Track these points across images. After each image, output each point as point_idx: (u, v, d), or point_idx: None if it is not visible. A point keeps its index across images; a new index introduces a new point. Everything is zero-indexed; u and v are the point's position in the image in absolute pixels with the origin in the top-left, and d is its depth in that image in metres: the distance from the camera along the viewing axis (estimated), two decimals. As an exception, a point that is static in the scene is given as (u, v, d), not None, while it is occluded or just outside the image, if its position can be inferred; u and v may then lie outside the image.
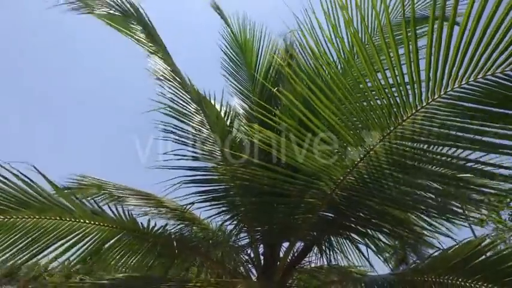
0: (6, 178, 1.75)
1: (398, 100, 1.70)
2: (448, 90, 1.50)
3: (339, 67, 2.13)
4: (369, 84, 1.76)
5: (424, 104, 1.67)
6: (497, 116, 1.38)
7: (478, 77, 1.32)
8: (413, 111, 1.75)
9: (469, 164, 1.80)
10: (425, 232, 2.39)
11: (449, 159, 1.84)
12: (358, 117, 1.98)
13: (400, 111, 1.77)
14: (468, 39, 1.24)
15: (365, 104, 1.88)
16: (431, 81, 1.49)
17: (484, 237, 2.12)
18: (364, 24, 2.35)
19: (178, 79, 3.15)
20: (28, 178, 1.80)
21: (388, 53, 1.50)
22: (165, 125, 3.12)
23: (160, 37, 3.09)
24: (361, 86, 1.83)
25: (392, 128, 1.89)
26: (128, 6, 3.01)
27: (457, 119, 1.57)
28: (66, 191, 2.82)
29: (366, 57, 1.67)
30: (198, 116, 3.29)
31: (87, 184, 3.03)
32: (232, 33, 3.57)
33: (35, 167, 1.81)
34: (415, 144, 1.89)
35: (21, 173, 1.75)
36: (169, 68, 3.15)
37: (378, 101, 1.80)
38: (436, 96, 1.59)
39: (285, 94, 2.63)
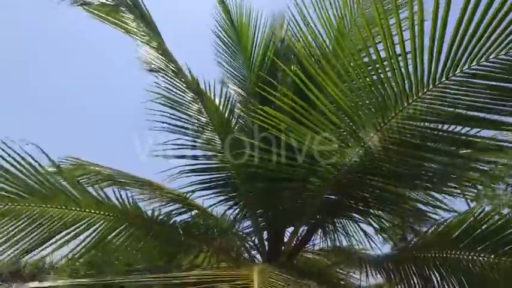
0: (14, 159, 1.64)
1: (412, 78, 1.76)
2: (464, 68, 1.57)
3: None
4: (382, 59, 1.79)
5: (438, 83, 1.74)
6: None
7: (501, 54, 1.40)
8: (425, 90, 1.81)
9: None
10: (426, 208, 2.48)
11: (458, 136, 1.93)
12: (367, 96, 2.01)
13: (412, 90, 1.83)
14: (492, 16, 1.30)
15: (376, 80, 1.91)
16: (449, 59, 1.55)
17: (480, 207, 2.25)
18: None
19: (173, 68, 3.08)
20: (36, 160, 1.70)
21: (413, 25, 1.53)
22: (163, 115, 3.05)
23: (156, 26, 2.98)
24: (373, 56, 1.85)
25: (401, 108, 1.95)
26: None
27: (471, 97, 1.65)
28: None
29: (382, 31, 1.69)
30: (195, 104, 3.23)
31: (85, 167, 2.89)
32: (230, 17, 3.51)
33: (42, 150, 1.71)
34: (425, 124, 1.96)
35: (30, 156, 1.65)
36: (164, 58, 3.06)
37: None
38: (450, 75, 1.66)
39: (288, 71, 2.64)
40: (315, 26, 2.68)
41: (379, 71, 1.84)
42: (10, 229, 1.74)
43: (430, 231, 2.45)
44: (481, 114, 1.71)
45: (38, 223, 1.81)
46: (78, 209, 2.03)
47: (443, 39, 1.48)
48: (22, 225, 1.77)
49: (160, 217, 2.52)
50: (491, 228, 2.18)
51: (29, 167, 1.71)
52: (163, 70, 3.24)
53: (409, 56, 1.66)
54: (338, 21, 2.60)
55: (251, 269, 1.66)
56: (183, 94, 3.29)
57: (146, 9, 2.89)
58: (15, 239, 1.74)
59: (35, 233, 1.80)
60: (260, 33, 3.37)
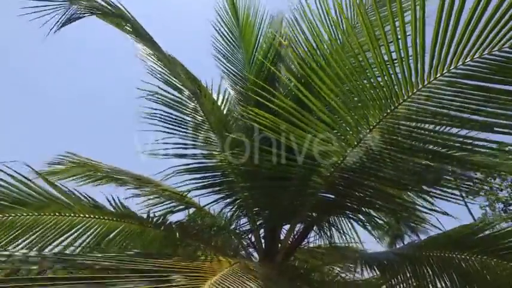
0: (1, 179, 1.68)
1: (400, 78, 1.71)
2: (451, 68, 1.50)
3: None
4: (371, 61, 1.75)
5: (426, 83, 1.68)
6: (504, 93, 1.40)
7: (484, 53, 1.33)
8: (415, 90, 1.76)
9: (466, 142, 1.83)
10: (422, 208, 2.44)
11: (447, 137, 1.87)
12: (358, 97, 1.98)
13: (402, 90, 1.77)
14: (479, 14, 1.23)
15: (365, 82, 1.88)
16: (434, 59, 1.49)
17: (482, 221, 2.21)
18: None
19: (169, 65, 3.07)
20: (24, 177, 1.74)
21: (394, 25, 1.48)
22: (160, 114, 3.06)
23: (146, 30, 2.96)
24: (362, 63, 1.82)
25: (392, 108, 1.90)
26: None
27: (459, 98, 1.59)
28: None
29: (369, 29, 1.65)
30: (191, 103, 3.23)
31: (83, 164, 2.94)
32: (236, 14, 3.45)
33: (30, 167, 1.75)
34: (415, 124, 1.91)
35: (17, 173, 1.68)
36: (160, 56, 3.06)
37: (379, 79, 1.79)
38: (438, 75, 1.60)
39: (284, 74, 2.61)
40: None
41: (368, 74, 1.81)
42: (2, 239, 1.79)
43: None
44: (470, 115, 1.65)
45: (31, 231, 1.86)
46: (72, 214, 2.08)
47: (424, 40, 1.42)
48: (15, 235, 1.82)
49: (156, 218, 2.56)
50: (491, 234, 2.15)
51: (18, 184, 1.75)
52: (161, 69, 3.25)
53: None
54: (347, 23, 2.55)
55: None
56: (180, 92, 3.29)
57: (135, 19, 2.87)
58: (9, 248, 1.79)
59: (30, 242, 1.86)
60: (264, 31, 3.30)
